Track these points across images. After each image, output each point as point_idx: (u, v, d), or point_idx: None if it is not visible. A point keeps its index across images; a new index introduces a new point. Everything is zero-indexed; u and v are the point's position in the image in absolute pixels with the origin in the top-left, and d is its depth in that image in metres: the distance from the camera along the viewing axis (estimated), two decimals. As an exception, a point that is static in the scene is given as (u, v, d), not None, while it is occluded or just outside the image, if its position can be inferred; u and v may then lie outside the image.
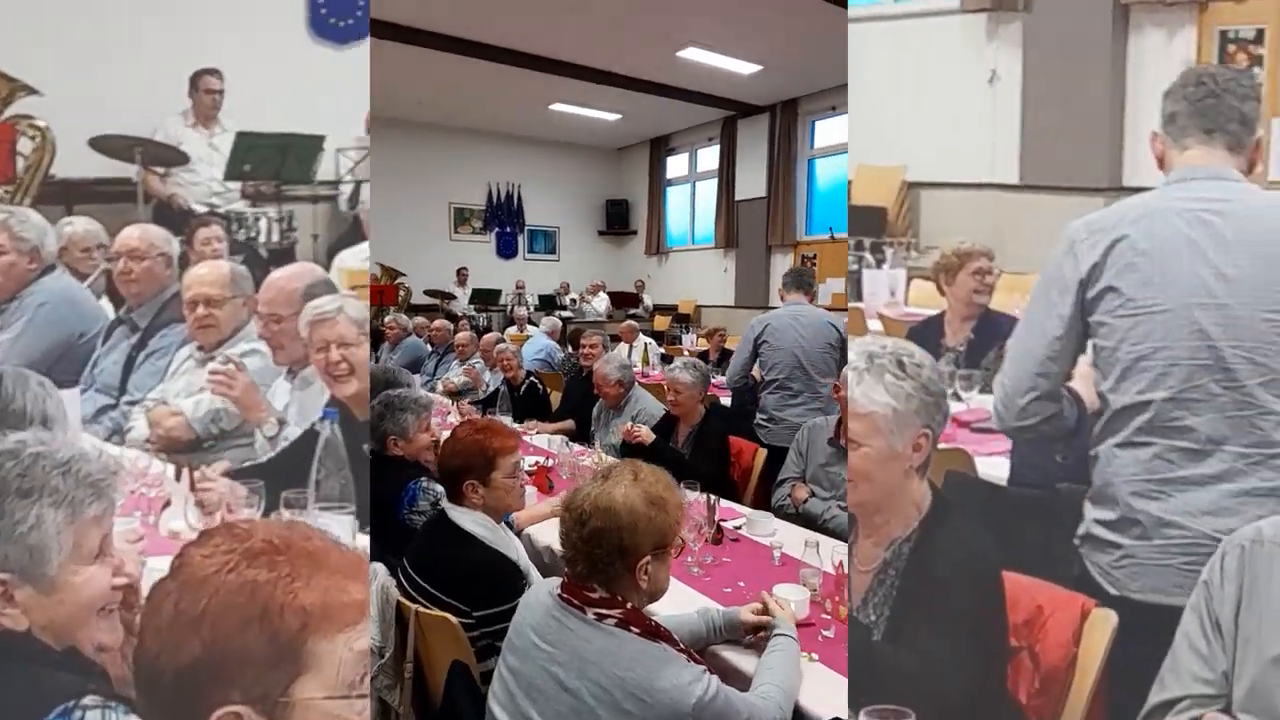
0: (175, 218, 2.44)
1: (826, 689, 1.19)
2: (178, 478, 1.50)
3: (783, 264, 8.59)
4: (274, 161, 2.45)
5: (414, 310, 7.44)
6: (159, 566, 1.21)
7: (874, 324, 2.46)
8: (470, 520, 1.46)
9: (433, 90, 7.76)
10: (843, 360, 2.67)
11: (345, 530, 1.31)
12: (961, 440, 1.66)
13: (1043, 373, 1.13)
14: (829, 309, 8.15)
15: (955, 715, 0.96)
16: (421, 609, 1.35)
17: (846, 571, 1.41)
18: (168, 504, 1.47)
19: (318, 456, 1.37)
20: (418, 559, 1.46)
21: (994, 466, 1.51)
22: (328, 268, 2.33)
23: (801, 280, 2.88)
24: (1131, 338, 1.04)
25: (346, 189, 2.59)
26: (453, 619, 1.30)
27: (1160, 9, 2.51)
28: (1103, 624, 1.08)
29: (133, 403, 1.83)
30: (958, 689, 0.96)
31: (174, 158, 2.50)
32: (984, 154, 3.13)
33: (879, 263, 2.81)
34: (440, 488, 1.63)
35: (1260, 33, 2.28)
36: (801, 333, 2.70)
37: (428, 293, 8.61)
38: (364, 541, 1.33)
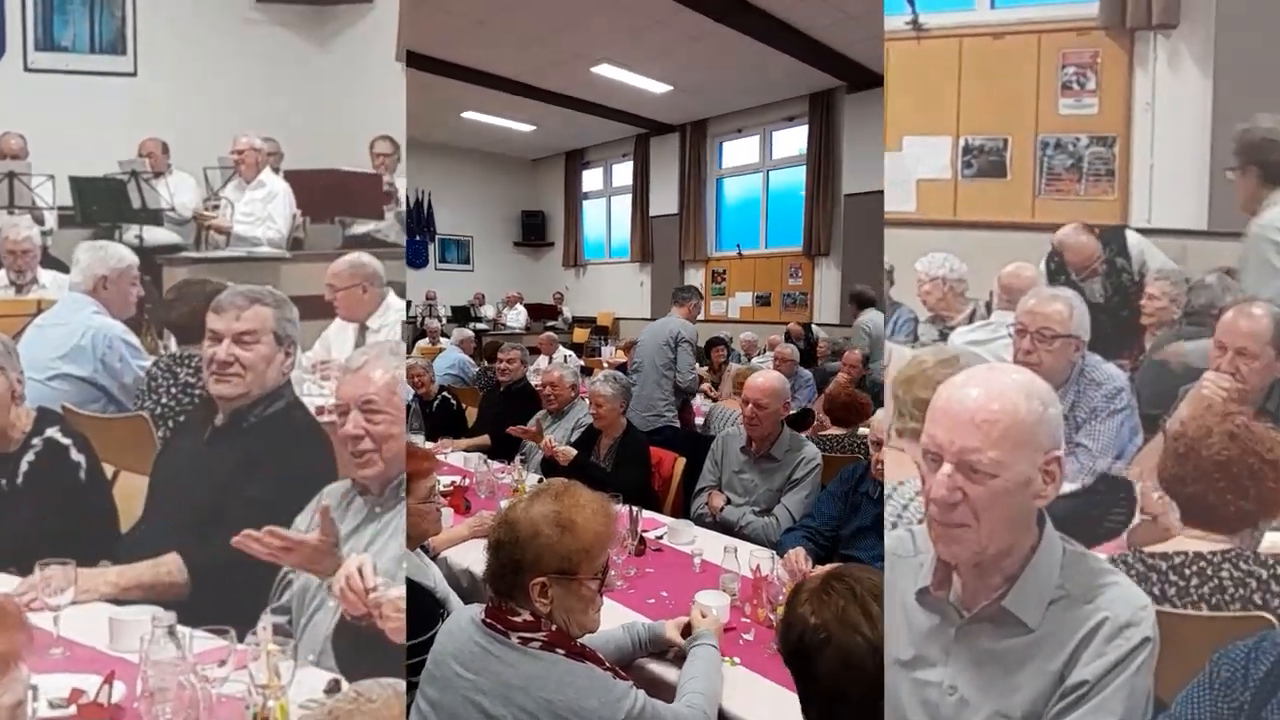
0: None
1: (749, 692, 1.23)
2: None
3: (695, 279, 8.85)
4: None
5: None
6: None
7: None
8: None
9: (333, 91, 7.35)
10: (678, 353, 3.43)
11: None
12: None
13: None
14: (738, 321, 8.64)
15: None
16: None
17: (765, 575, 1.47)
18: None
19: None
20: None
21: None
22: None
23: (675, 295, 3.68)
24: None
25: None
26: (366, 652, 1.22)
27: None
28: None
29: None
30: None
31: None
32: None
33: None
34: None
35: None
36: (655, 333, 3.52)
37: (328, 304, 8.07)
38: None
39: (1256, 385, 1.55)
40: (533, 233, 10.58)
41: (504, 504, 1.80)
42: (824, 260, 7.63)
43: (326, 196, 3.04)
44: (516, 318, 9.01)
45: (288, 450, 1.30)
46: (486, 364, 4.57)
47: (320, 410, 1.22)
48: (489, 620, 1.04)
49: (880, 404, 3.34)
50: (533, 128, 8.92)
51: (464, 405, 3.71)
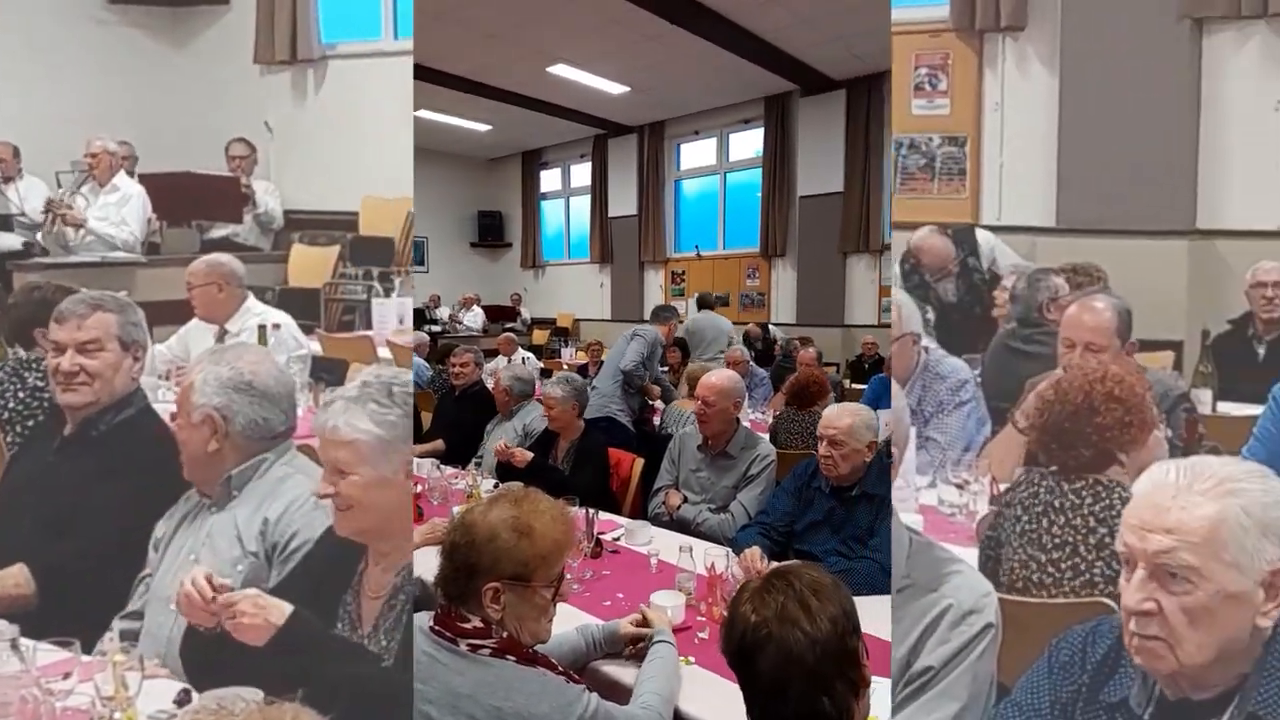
0: None
1: (704, 691, 1.23)
2: None
3: (655, 279, 8.90)
4: None
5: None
6: None
7: (384, 352, 2.42)
8: None
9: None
10: (630, 344, 3.66)
11: None
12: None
13: None
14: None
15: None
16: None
17: (720, 573, 1.48)
18: None
19: None
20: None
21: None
22: None
23: (657, 314, 4.16)
24: None
25: None
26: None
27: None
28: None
29: None
30: None
31: None
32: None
33: (387, 292, 2.97)
34: None
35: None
36: (624, 335, 3.82)
37: (275, 307, 7.75)
38: None
39: (1107, 378, 1.66)
40: (490, 233, 10.42)
41: (457, 510, 1.77)
42: (780, 261, 7.76)
43: (182, 200, 2.95)
44: (474, 319, 8.85)
45: (139, 458, 1.25)
46: (440, 367, 4.46)
47: (174, 416, 1.19)
48: (437, 628, 1.02)
49: (837, 399, 3.43)
50: (489, 127, 8.78)
51: (419, 409, 3.60)
